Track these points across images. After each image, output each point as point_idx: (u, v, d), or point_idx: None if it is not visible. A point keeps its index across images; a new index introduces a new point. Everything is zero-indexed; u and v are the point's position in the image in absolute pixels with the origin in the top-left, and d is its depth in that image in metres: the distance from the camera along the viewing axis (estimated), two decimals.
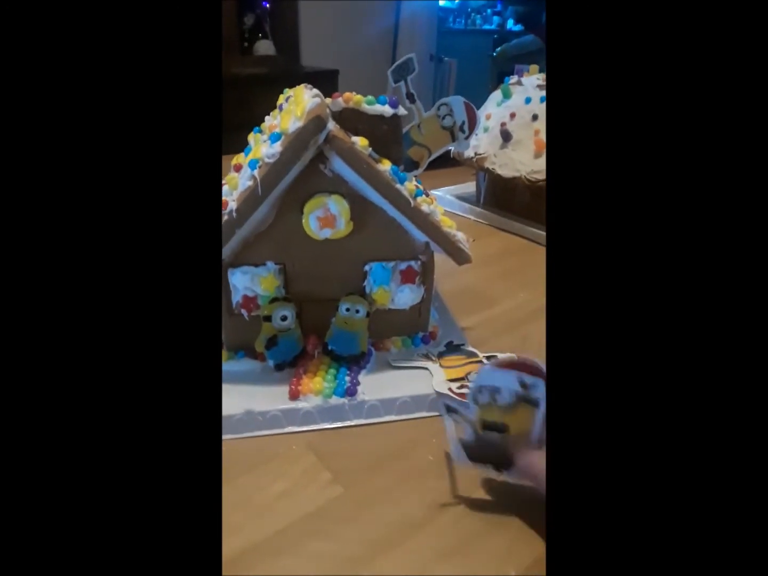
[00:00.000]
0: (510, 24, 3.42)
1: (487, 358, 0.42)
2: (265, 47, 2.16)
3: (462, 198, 0.86)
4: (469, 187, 0.90)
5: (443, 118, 0.42)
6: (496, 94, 0.80)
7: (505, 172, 0.73)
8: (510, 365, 0.29)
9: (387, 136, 0.39)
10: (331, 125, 0.35)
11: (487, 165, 0.75)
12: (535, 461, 0.29)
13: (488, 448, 0.30)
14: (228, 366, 0.41)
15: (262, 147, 0.36)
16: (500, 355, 0.30)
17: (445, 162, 0.65)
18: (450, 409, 0.31)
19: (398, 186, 0.37)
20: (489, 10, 3.57)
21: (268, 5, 2.29)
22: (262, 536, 0.29)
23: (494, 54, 2.88)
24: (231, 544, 0.29)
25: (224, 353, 0.41)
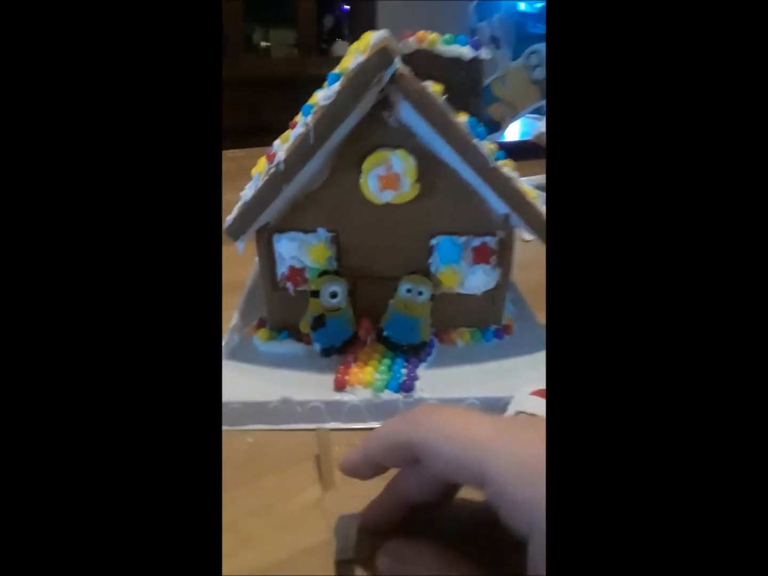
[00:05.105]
0: None
1: None
2: (341, 48, 2.16)
3: (543, 188, 0.78)
4: None
5: (534, 69, 0.35)
6: None
7: None
8: None
9: (464, 85, 0.33)
10: (399, 63, 0.29)
11: None
12: None
13: None
14: (268, 347, 0.36)
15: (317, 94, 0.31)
16: None
17: (528, 153, 0.57)
18: None
19: (476, 142, 0.31)
20: None
21: (347, 9, 2.30)
22: (284, 554, 0.23)
23: None
24: (245, 559, 0.23)
25: (266, 332, 0.36)
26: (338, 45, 2.16)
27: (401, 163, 0.31)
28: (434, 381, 0.33)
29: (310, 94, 0.32)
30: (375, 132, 0.31)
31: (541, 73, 0.35)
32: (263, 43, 2.00)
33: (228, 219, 0.33)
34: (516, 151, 0.36)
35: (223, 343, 0.37)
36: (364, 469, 0.22)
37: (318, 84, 0.32)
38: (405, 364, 0.34)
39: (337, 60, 0.33)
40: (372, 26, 2.43)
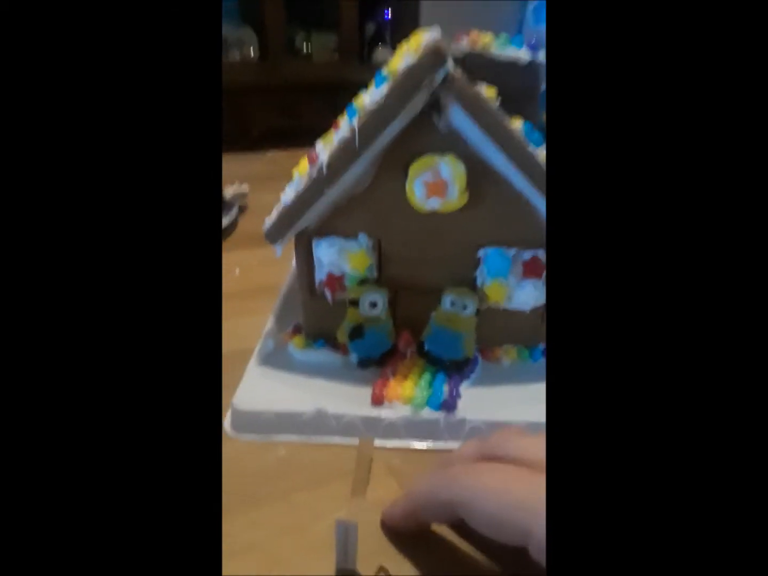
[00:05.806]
0: None
1: None
2: (383, 55, 2.16)
3: None
4: None
5: None
6: None
7: None
8: None
9: (520, 89, 0.31)
10: (452, 66, 0.28)
11: None
12: None
13: None
14: (304, 355, 0.35)
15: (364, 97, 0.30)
16: None
17: None
18: None
19: (531, 149, 0.29)
20: None
21: (389, 16, 2.30)
22: None
23: None
24: None
25: (301, 339, 0.35)
26: (379, 52, 2.17)
27: (450, 169, 0.30)
28: (477, 401, 0.31)
29: (349, 98, 0.31)
30: (423, 136, 0.30)
31: None
32: (305, 47, 2.02)
33: (266, 222, 0.32)
34: None
35: (258, 349, 0.36)
36: (406, 523, 0.22)
37: (358, 89, 0.31)
38: (447, 380, 0.32)
39: (378, 66, 0.32)
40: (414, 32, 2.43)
